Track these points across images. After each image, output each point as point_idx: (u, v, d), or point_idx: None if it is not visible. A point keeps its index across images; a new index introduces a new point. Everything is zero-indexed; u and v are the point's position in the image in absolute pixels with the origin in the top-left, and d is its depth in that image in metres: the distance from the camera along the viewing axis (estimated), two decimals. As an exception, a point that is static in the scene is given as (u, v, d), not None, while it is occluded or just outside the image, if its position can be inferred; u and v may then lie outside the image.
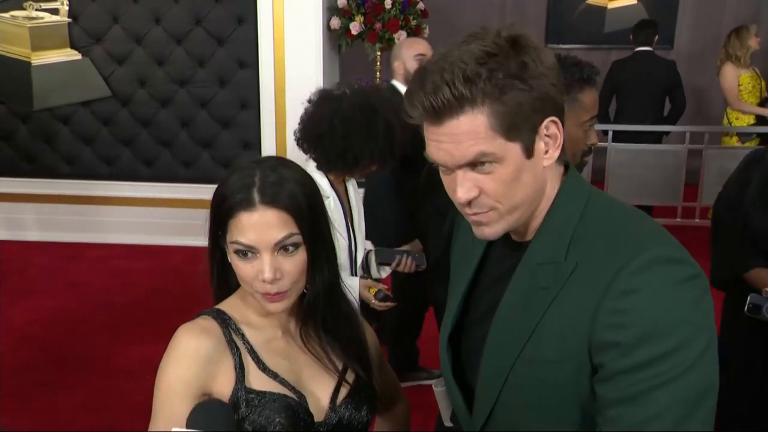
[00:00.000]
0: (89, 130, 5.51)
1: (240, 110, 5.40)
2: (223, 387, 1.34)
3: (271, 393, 1.35)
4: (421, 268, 2.79)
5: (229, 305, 1.44)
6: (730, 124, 5.99)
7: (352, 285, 2.53)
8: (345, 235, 2.53)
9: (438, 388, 1.50)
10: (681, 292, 1.09)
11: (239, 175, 1.35)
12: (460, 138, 1.12)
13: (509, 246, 1.28)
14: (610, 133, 5.83)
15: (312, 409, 1.38)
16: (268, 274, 1.30)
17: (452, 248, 1.49)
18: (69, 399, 3.57)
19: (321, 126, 2.39)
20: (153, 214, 5.55)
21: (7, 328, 4.18)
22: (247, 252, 1.32)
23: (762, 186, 2.43)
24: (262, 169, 1.35)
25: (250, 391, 1.34)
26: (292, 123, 5.03)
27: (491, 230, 1.20)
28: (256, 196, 1.30)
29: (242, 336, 1.39)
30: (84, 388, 3.66)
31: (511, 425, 1.25)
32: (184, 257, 5.19)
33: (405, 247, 2.97)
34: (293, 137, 2.53)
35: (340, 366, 1.44)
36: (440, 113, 1.11)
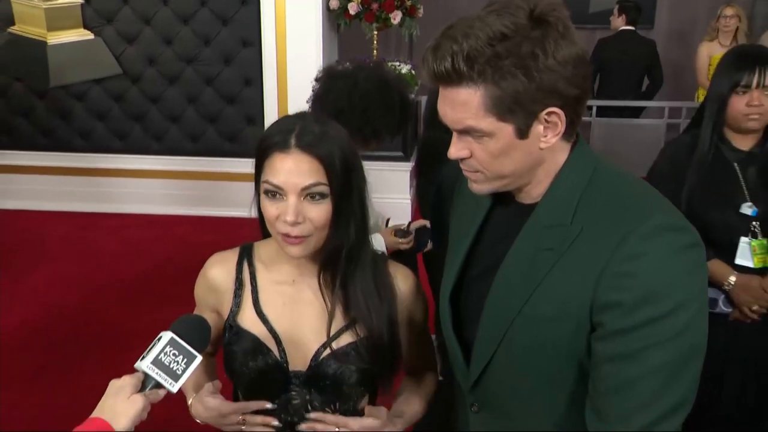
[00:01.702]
0: (102, 106, 5.61)
1: (244, 87, 5.49)
2: (224, 313, 1.50)
3: (248, 332, 1.45)
4: (423, 249, 2.60)
5: (264, 243, 1.52)
6: (697, 100, 6.21)
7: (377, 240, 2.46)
8: None
9: None
10: (682, 259, 1.12)
11: (283, 120, 1.41)
12: (456, 107, 1.14)
13: (513, 208, 1.28)
14: (594, 108, 6.00)
15: (291, 356, 1.44)
16: (290, 216, 1.31)
17: (452, 213, 1.48)
18: (84, 363, 3.60)
19: (339, 102, 2.33)
20: (162, 186, 5.64)
21: (26, 294, 4.30)
22: (275, 193, 1.34)
23: (702, 177, 2.31)
24: (306, 119, 1.38)
25: (235, 324, 1.47)
26: (294, 99, 5.13)
27: (478, 187, 1.25)
28: (292, 140, 1.33)
29: (253, 274, 1.49)
30: (99, 354, 3.67)
31: (506, 379, 1.27)
32: (190, 226, 5.30)
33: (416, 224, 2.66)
34: None
35: (345, 322, 1.45)
36: (442, 81, 1.14)
